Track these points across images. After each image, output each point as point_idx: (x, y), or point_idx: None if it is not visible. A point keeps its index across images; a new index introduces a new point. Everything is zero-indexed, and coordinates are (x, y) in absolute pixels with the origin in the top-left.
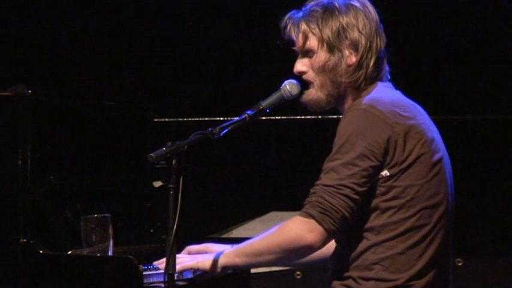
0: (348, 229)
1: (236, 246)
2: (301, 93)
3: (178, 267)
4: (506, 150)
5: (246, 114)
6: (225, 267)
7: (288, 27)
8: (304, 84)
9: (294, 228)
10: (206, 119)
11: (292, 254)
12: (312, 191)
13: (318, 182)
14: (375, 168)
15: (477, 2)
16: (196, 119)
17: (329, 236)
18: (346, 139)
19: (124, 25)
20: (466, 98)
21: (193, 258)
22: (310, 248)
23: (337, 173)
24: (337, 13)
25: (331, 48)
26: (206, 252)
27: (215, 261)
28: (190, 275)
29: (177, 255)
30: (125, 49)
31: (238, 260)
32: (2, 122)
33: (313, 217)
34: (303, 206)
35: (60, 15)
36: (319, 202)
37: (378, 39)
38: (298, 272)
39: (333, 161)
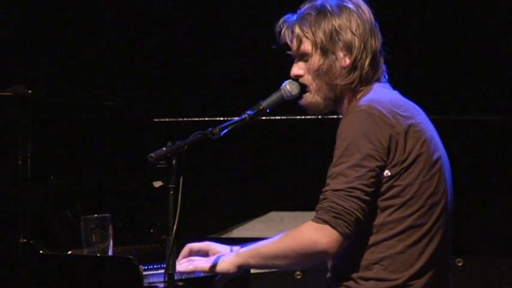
0: None
1: (248, 247)
2: (301, 93)
3: (191, 267)
4: (506, 150)
5: (246, 114)
6: (240, 267)
7: (283, 31)
8: (303, 87)
9: (308, 234)
10: (206, 119)
11: (307, 259)
12: (321, 197)
13: (327, 188)
14: (380, 168)
15: (477, 1)
16: (196, 119)
17: (344, 240)
18: (350, 141)
19: (124, 25)
20: (466, 98)
21: (208, 260)
22: (325, 254)
23: (345, 176)
24: (329, 15)
25: (325, 51)
26: (207, 250)
27: (230, 261)
28: (201, 274)
29: (192, 257)
30: (125, 49)
31: (252, 261)
32: (2, 122)
33: (327, 222)
34: (315, 213)
35: (60, 15)
36: (331, 207)
37: (373, 40)
38: (298, 272)
39: (338, 165)
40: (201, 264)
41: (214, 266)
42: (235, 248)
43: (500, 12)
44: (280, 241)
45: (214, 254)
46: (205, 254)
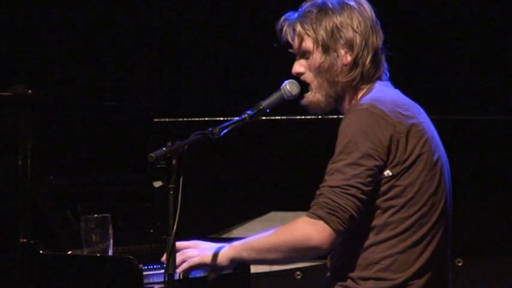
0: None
1: (242, 241)
2: (301, 93)
3: (185, 264)
4: (506, 150)
5: (246, 114)
6: (232, 260)
7: (284, 29)
8: (304, 85)
9: (302, 229)
10: (206, 119)
11: (300, 254)
12: (317, 193)
13: (323, 184)
14: (379, 167)
15: (477, 1)
16: (196, 119)
17: (337, 237)
18: (350, 139)
19: (124, 25)
20: (466, 98)
21: (200, 252)
22: (318, 249)
23: (343, 174)
24: (330, 13)
25: (326, 48)
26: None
27: (223, 254)
28: (199, 274)
29: (184, 250)
30: (125, 49)
31: (245, 254)
32: (2, 122)
33: (321, 218)
34: (310, 208)
35: (60, 15)
36: (326, 203)
37: (374, 37)
38: (298, 272)
39: (337, 162)
40: (194, 259)
41: (207, 258)
42: (224, 245)
43: (500, 11)
44: (274, 235)
45: None
46: None
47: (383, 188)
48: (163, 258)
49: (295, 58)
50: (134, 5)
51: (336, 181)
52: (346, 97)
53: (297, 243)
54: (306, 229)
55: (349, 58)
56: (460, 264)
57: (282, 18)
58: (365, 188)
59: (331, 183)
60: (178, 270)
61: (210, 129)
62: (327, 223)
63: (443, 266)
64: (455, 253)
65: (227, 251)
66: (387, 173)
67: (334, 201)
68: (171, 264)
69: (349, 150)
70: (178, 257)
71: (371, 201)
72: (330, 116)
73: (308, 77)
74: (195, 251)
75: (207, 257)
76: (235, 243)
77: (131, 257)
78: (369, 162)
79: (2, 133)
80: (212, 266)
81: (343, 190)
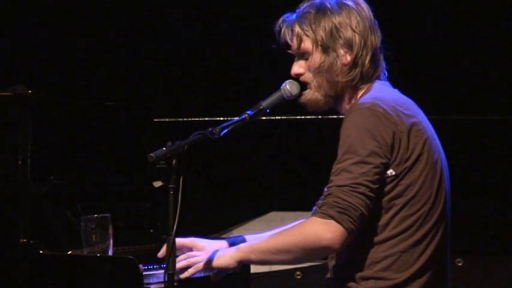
0: None
1: (249, 242)
2: (301, 93)
3: (191, 270)
4: (506, 150)
5: (246, 114)
6: (240, 262)
7: (283, 30)
8: (303, 85)
9: (313, 229)
10: (206, 119)
11: (310, 254)
12: (326, 193)
13: (331, 184)
14: (385, 165)
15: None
16: (196, 119)
17: (349, 236)
18: (354, 138)
19: (124, 25)
20: (466, 98)
21: (206, 254)
22: (329, 249)
23: (350, 173)
24: (329, 13)
25: (326, 48)
26: (191, 247)
27: (231, 256)
28: (199, 274)
29: (189, 253)
30: (125, 49)
31: (253, 256)
32: (2, 122)
33: (332, 217)
34: (319, 208)
35: (60, 14)
36: (336, 202)
37: (373, 36)
38: (298, 272)
39: (342, 162)
40: (201, 264)
41: (213, 260)
42: (221, 241)
43: (500, 11)
44: (283, 236)
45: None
46: (189, 250)
47: (386, 187)
48: (160, 253)
49: (294, 59)
50: (134, 5)
51: (344, 180)
52: (345, 97)
53: (309, 244)
54: (317, 229)
55: (348, 58)
56: (460, 264)
57: (280, 20)
58: (373, 186)
59: (339, 183)
60: (184, 275)
61: (210, 129)
62: (339, 222)
63: (444, 265)
64: (455, 253)
65: (235, 254)
66: (390, 172)
67: (344, 200)
68: (171, 264)
69: (354, 149)
70: (182, 261)
71: (375, 200)
72: (330, 116)
73: (308, 77)
74: (201, 255)
75: (213, 261)
76: (242, 245)
77: (131, 257)
78: (375, 160)
79: (2, 133)
80: (219, 269)
81: (352, 188)
